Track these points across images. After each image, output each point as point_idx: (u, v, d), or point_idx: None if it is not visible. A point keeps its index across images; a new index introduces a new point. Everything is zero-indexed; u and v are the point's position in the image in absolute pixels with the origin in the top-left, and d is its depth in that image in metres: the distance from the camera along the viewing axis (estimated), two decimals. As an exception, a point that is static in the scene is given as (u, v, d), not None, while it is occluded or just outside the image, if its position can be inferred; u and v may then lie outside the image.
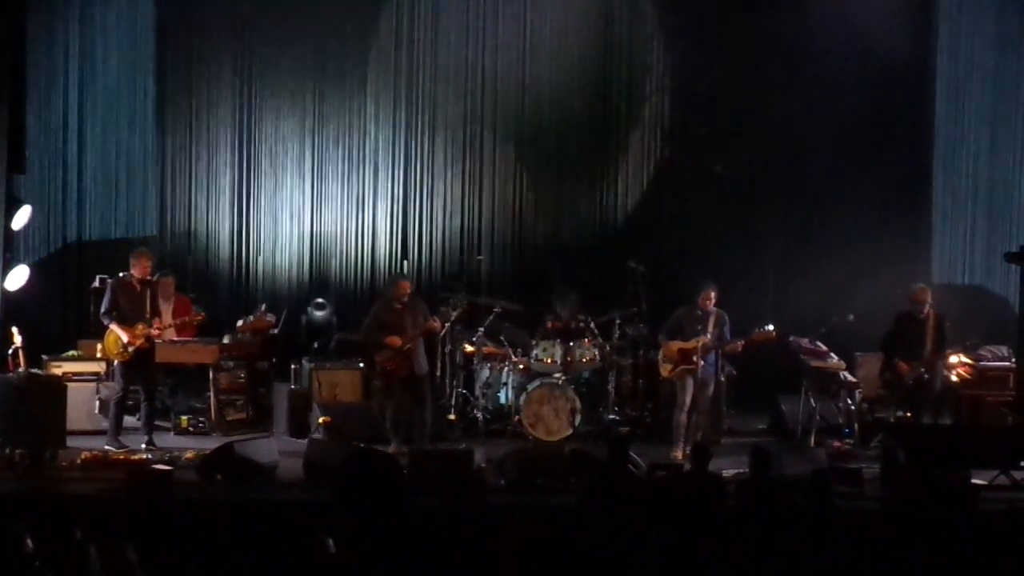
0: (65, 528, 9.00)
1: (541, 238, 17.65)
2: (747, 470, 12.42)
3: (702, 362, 14.30)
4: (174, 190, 17.38)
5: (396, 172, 17.57)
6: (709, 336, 14.31)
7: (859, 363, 15.48)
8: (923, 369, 14.36)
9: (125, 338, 14.08)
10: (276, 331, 15.71)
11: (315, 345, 15.87)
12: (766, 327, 14.50)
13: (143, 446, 14.03)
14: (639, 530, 10.39)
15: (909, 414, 14.41)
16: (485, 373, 15.27)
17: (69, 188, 16.97)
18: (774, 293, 17.04)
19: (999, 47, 17.16)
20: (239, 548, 10.91)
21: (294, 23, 17.24)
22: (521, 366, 15.13)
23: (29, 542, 8.61)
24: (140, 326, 14.10)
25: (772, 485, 11.03)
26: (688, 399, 14.36)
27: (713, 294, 14.44)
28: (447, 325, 14.94)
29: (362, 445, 13.26)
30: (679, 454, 14.11)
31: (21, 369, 13.82)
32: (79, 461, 13.32)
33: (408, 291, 14.39)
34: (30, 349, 14.21)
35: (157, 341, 14.27)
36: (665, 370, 14.64)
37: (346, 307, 16.91)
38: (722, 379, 14.89)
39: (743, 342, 14.42)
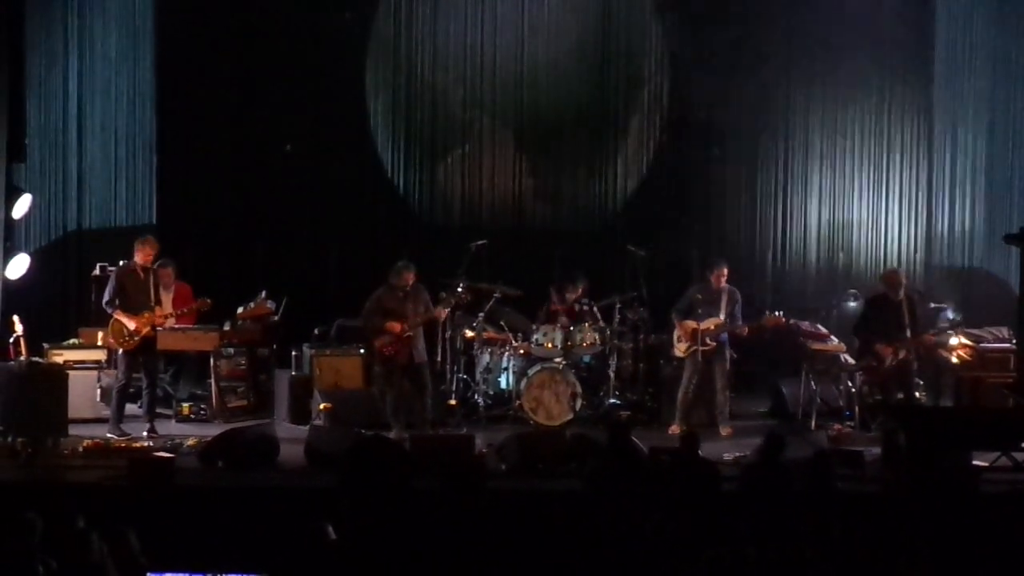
0: (67, 516, 9.03)
1: (541, 223, 17.66)
2: (748, 453, 12.55)
3: (714, 343, 14.37)
4: (174, 177, 17.36)
5: (396, 157, 17.56)
6: (723, 316, 14.37)
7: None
8: (906, 352, 14.32)
9: (132, 326, 14.07)
10: (276, 318, 15.70)
11: (315, 331, 15.86)
12: (776, 312, 14.57)
13: (145, 434, 14.01)
14: (643, 514, 10.40)
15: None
16: (485, 358, 15.26)
17: (69, 176, 16.92)
18: (773, 276, 17.03)
19: (998, 26, 17.12)
20: (241, 535, 10.97)
21: (293, 9, 17.23)
22: (521, 351, 15.12)
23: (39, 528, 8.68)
24: (146, 314, 14.09)
25: (775, 468, 11.04)
26: (696, 378, 14.45)
27: (726, 270, 14.52)
28: (447, 311, 14.94)
29: (363, 431, 13.28)
30: (676, 428, 14.27)
31: (22, 357, 13.82)
32: (81, 449, 13.30)
33: (411, 282, 14.38)
34: (31, 337, 14.20)
35: (159, 329, 14.28)
36: (680, 349, 14.68)
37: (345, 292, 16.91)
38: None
39: (749, 327, 14.49)
